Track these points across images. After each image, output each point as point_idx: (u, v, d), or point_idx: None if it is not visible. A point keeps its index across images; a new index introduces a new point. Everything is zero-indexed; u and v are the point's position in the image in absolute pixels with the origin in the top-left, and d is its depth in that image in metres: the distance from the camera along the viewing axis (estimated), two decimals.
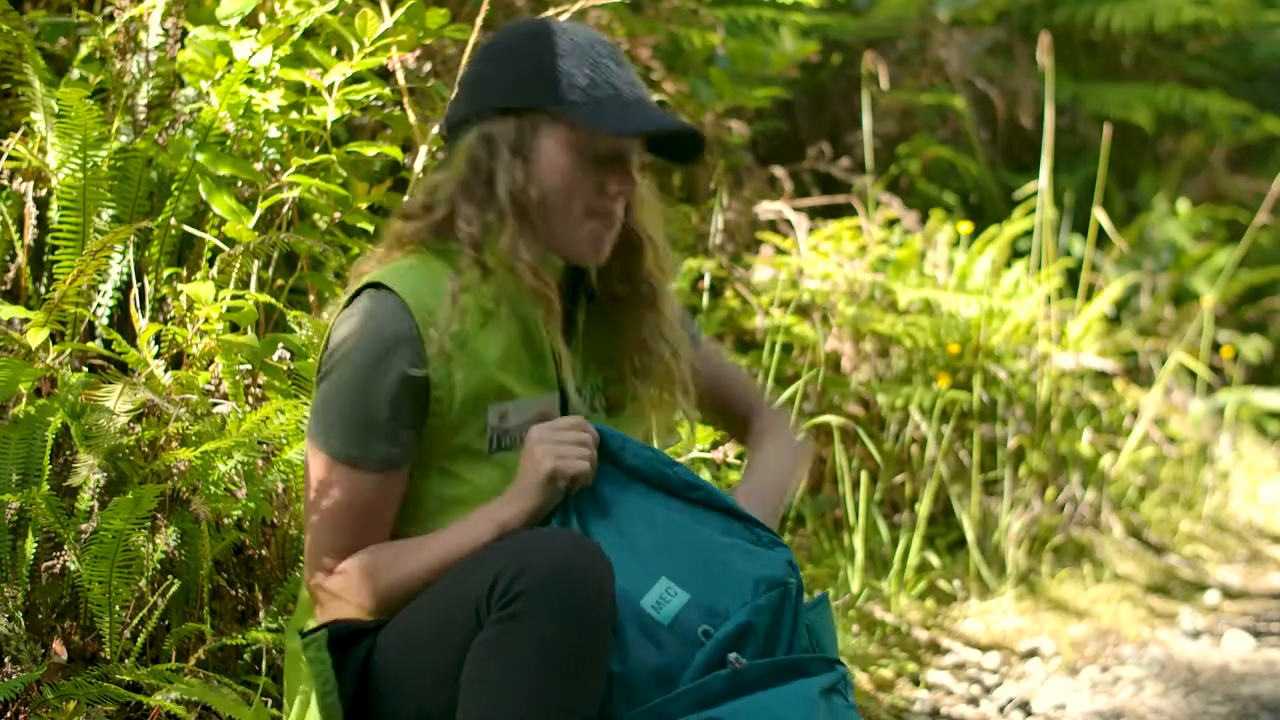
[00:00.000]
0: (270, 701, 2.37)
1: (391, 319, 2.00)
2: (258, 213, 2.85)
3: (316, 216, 3.08)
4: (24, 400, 2.47)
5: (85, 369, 2.69)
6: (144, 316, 2.74)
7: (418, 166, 3.17)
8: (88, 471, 2.34)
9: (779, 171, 5.28)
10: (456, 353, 2.01)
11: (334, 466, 2.02)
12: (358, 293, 2.04)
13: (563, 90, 2.00)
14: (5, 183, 2.78)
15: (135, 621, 2.36)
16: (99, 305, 2.74)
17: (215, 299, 2.63)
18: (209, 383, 2.66)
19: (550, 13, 3.29)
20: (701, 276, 4.34)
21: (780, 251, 4.78)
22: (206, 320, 2.62)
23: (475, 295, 2.03)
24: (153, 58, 2.91)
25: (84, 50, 2.90)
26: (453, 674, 1.89)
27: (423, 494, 2.06)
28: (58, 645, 2.37)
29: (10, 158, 2.75)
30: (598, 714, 1.87)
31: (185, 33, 2.96)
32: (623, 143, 2.05)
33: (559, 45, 2.02)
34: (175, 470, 2.50)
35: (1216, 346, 7.33)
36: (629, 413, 2.17)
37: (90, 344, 2.63)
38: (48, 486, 2.34)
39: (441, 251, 2.06)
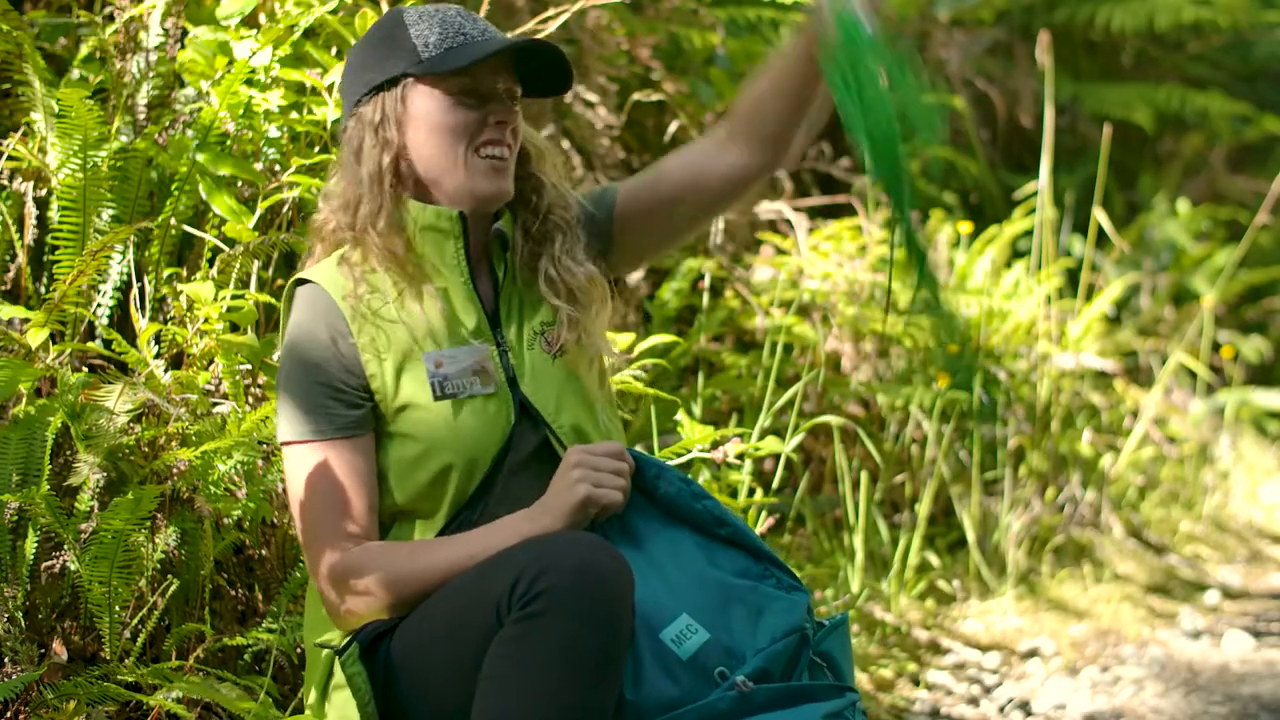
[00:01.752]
0: (272, 702, 2.37)
1: (313, 300, 2.12)
2: (258, 213, 2.85)
3: None
4: (24, 400, 2.47)
5: (85, 369, 2.69)
6: (144, 316, 2.74)
7: None
8: (88, 471, 2.34)
9: (779, 171, 5.28)
10: (375, 320, 2.10)
11: (306, 451, 2.08)
12: (289, 294, 2.17)
13: (418, 52, 2.11)
14: (5, 183, 2.78)
15: (135, 621, 2.36)
16: (99, 305, 2.74)
17: (215, 299, 2.63)
18: (209, 383, 2.66)
19: (550, 12, 3.29)
20: (701, 276, 4.34)
21: (780, 251, 4.78)
22: (206, 320, 2.62)
23: (384, 272, 2.13)
24: (153, 58, 2.91)
25: (84, 50, 2.90)
26: (470, 672, 1.90)
27: (385, 465, 2.10)
28: (58, 645, 2.37)
29: (10, 158, 2.75)
30: None
31: (185, 33, 2.96)
32: (487, 79, 2.13)
33: (406, 18, 2.15)
34: (175, 470, 2.50)
35: (1216, 346, 7.33)
36: (572, 353, 2.19)
37: (90, 344, 2.63)
38: (48, 486, 2.34)
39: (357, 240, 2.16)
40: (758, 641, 1.96)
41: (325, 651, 2.09)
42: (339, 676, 2.07)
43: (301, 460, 2.09)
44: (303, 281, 2.16)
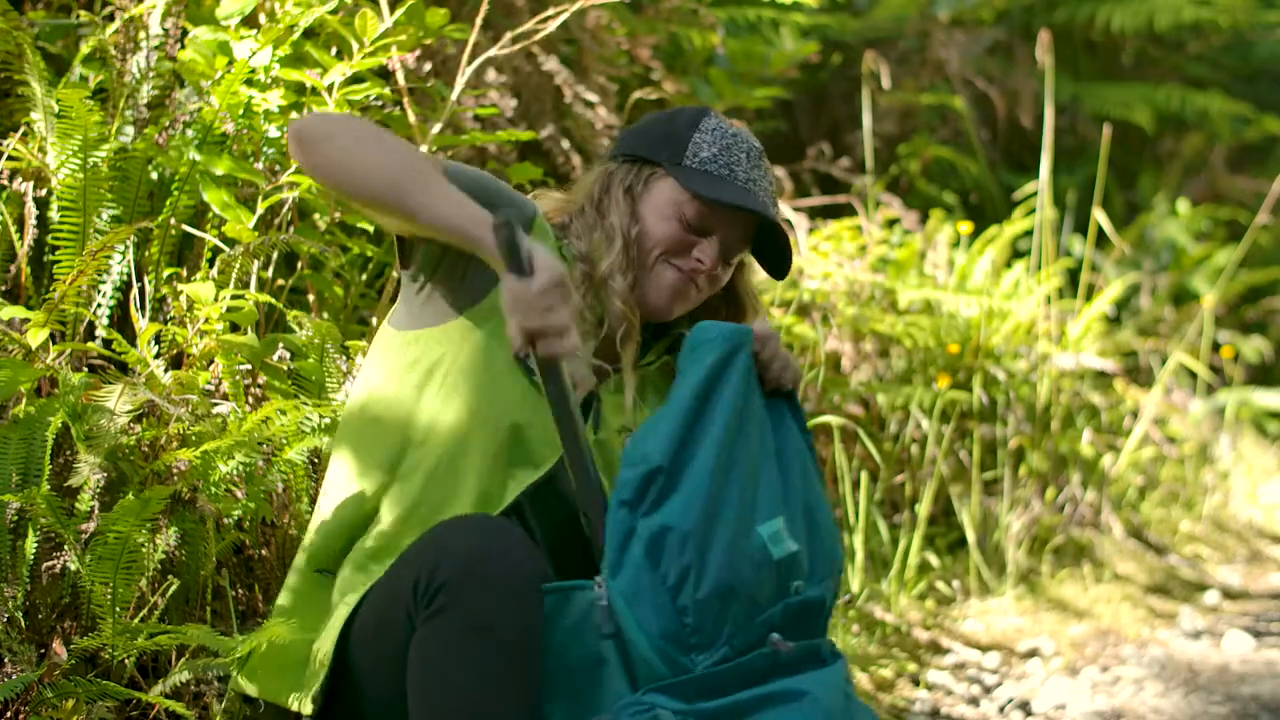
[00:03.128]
0: None
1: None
2: (258, 213, 2.85)
3: (316, 216, 3.08)
4: (24, 400, 2.47)
5: (85, 369, 2.69)
6: (144, 316, 2.74)
7: None
8: (88, 471, 2.34)
9: (779, 171, 5.28)
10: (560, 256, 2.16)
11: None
12: None
13: (685, 155, 2.20)
14: (5, 183, 2.78)
15: (135, 621, 2.36)
16: (99, 305, 2.74)
17: (215, 299, 2.63)
18: (209, 383, 2.66)
19: (550, 12, 3.29)
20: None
21: None
22: (206, 320, 2.62)
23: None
24: (153, 58, 2.91)
25: (84, 50, 2.89)
26: (397, 674, 1.92)
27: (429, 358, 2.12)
28: (58, 645, 2.37)
29: (10, 158, 2.74)
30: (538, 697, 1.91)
31: (185, 33, 2.96)
32: (719, 223, 2.20)
33: (704, 124, 2.23)
34: (176, 470, 2.50)
35: (1216, 346, 7.33)
36: None
37: (90, 344, 2.63)
38: (48, 486, 2.34)
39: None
40: (827, 569, 2.07)
41: (317, 577, 2.13)
42: (339, 605, 2.09)
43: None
44: None
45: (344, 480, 2.16)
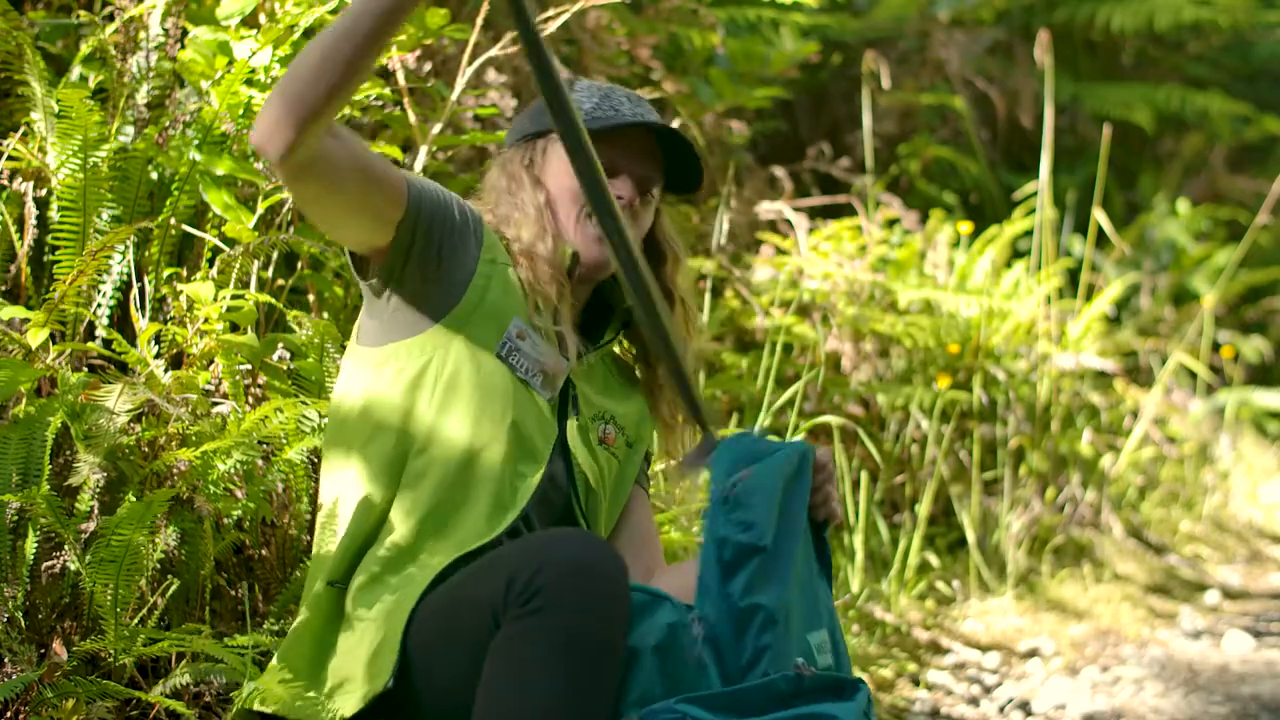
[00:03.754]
0: None
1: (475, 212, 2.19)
2: (258, 213, 2.85)
3: None
4: (24, 400, 2.47)
5: (85, 369, 2.68)
6: (144, 316, 2.74)
7: (418, 166, 3.17)
8: (88, 471, 2.34)
9: (779, 171, 5.28)
10: (500, 267, 2.15)
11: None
12: None
13: None
14: (5, 183, 2.77)
15: (135, 622, 2.36)
16: (99, 305, 2.74)
17: (215, 299, 2.63)
18: (209, 383, 2.66)
19: (550, 12, 3.29)
20: (702, 276, 4.34)
21: (780, 251, 4.78)
22: (206, 320, 2.62)
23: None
24: (153, 58, 2.90)
25: (84, 50, 2.89)
26: (467, 678, 1.90)
27: (446, 372, 2.11)
28: (57, 645, 2.37)
29: (10, 158, 2.74)
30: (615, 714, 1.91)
31: (185, 33, 2.96)
32: (622, 159, 2.20)
33: (577, 85, 2.26)
34: (175, 470, 2.50)
35: (1216, 346, 7.33)
36: (634, 450, 2.28)
37: (90, 344, 2.63)
38: (47, 486, 2.34)
39: None
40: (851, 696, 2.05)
41: (330, 590, 2.09)
42: (355, 616, 2.07)
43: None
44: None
45: (346, 492, 2.16)
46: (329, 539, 2.15)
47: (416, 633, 2.01)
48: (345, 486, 2.15)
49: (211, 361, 2.66)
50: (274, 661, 2.13)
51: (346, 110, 2.97)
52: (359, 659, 2.04)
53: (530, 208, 2.20)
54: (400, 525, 2.10)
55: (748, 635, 1.97)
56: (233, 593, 2.61)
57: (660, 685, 1.94)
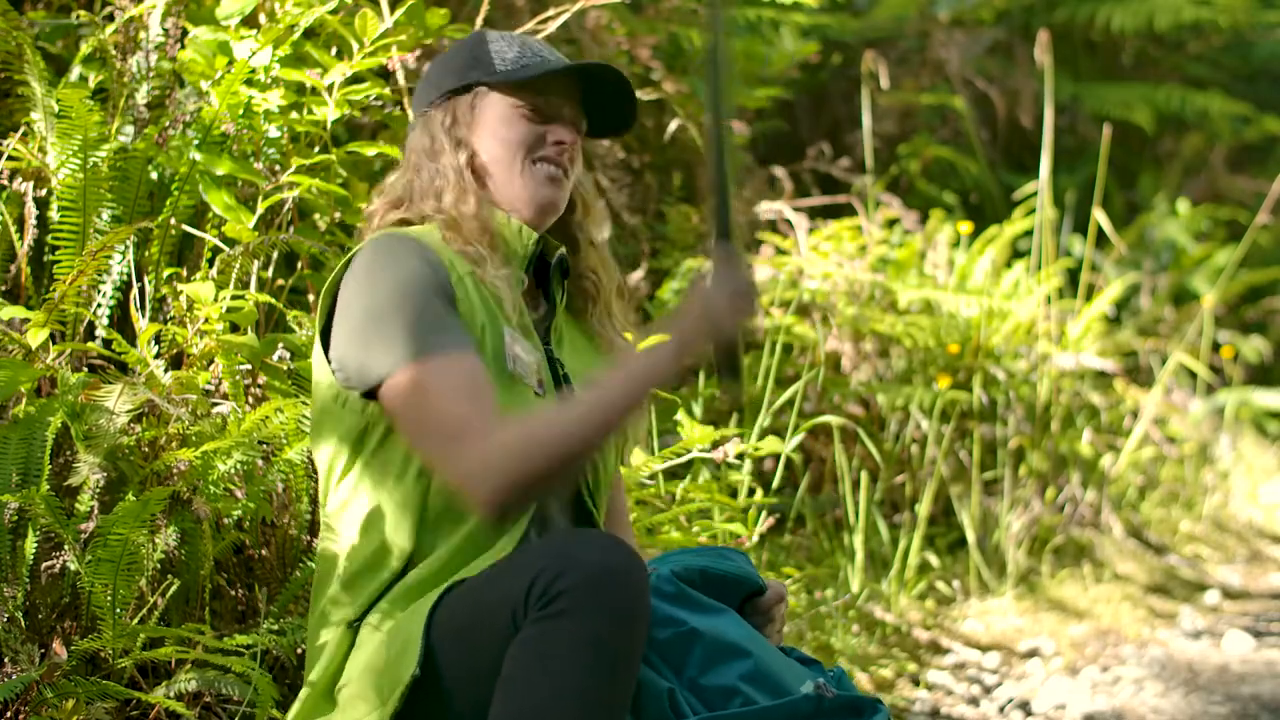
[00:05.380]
0: (272, 702, 2.37)
1: (410, 245, 2.10)
2: (258, 213, 2.85)
3: (316, 216, 3.08)
4: (24, 400, 2.47)
5: (85, 369, 2.68)
6: (144, 316, 2.74)
7: None
8: (88, 471, 2.34)
9: (779, 171, 5.28)
10: (469, 283, 2.11)
11: (423, 366, 2.02)
12: (371, 245, 2.12)
13: (493, 65, 2.21)
14: (5, 183, 2.77)
15: (135, 622, 2.36)
16: (99, 305, 2.74)
17: (215, 299, 2.63)
18: (209, 383, 2.65)
19: (550, 12, 3.29)
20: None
21: (780, 251, 4.78)
22: (206, 320, 2.62)
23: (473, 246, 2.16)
24: (153, 58, 2.91)
25: (84, 50, 2.89)
26: (486, 678, 1.89)
27: None
28: (58, 645, 2.37)
29: (10, 158, 2.74)
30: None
31: (185, 33, 2.96)
32: (554, 102, 2.21)
33: (488, 36, 2.25)
34: (175, 470, 2.50)
35: (1216, 346, 7.33)
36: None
37: (90, 344, 2.63)
38: (47, 487, 2.34)
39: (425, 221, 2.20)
40: None
41: (342, 628, 2.06)
42: (368, 645, 2.04)
43: (429, 375, 2.02)
44: (388, 236, 2.13)
45: (353, 524, 2.13)
46: (336, 555, 2.12)
47: (438, 630, 1.99)
48: (352, 518, 2.12)
49: (211, 361, 2.66)
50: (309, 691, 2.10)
51: (346, 109, 2.97)
52: (380, 663, 2.02)
53: (450, 171, 2.18)
54: (435, 552, 2.07)
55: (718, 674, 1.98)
56: (233, 593, 2.61)
57: None
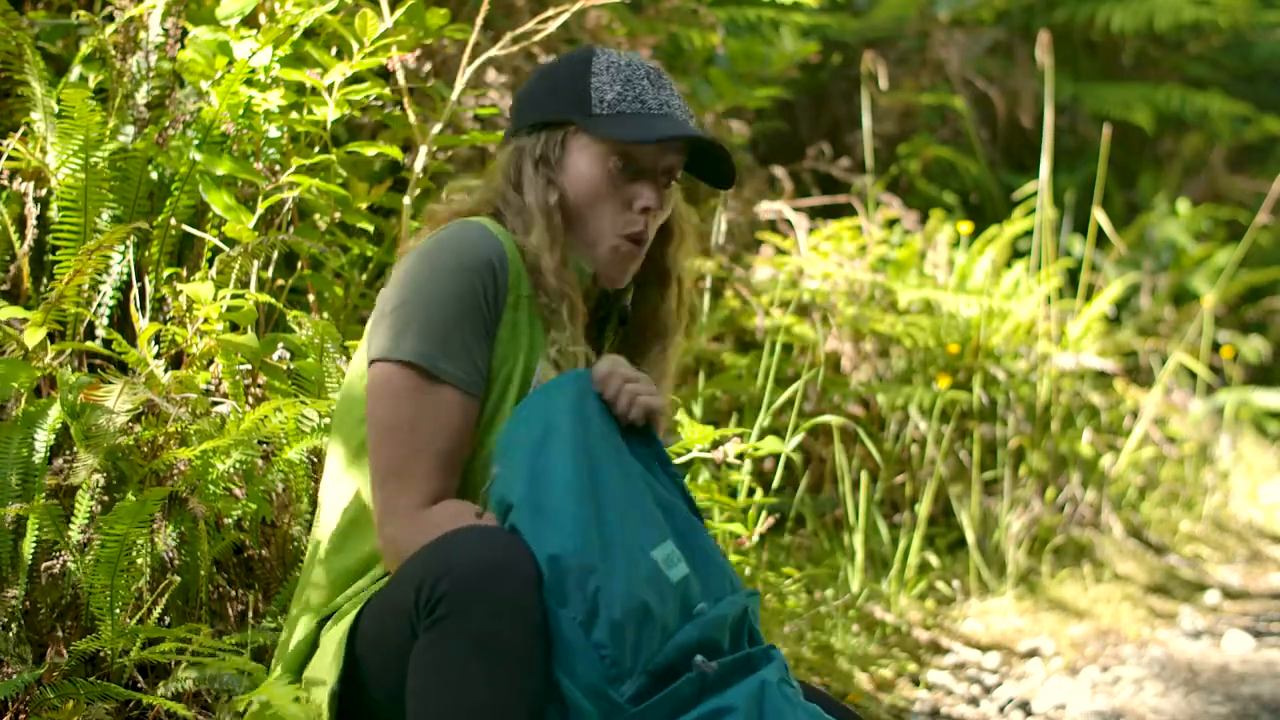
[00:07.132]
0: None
1: (480, 237, 2.05)
2: (258, 213, 2.85)
3: (316, 216, 3.08)
4: (24, 400, 2.47)
5: (85, 369, 2.69)
6: (144, 316, 2.74)
7: (418, 166, 3.17)
8: (87, 471, 2.34)
9: (779, 171, 5.28)
10: (525, 305, 2.07)
11: (410, 377, 2.00)
12: (450, 227, 2.09)
13: (590, 105, 2.09)
14: (5, 183, 2.77)
15: (135, 622, 2.36)
16: (99, 305, 2.74)
17: (215, 299, 2.63)
18: (209, 382, 2.66)
19: (550, 12, 3.29)
20: (702, 276, 4.34)
21: (780, 251, 4.78)
22: (206, 320, 2.62)
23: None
24: (153, 58, 2.91)
25: (84, 50, 2.89)
26: (399, 684, 1.89)
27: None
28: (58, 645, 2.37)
29: (10, 158, 2.75)
30: (542, 705, 1.87)
31: (185, 33, 2.96)
32: (648, 158, 2.11)
33: (595, 65, 2.12)
34: (175, 470, 2.50)
35: (1216, 346, 7.33)
36: None
37: (90, 344, 2.63)
38: (47, 488, 2.34)
39: None
40: (724, 588, 1.99)
41: (314, 622, 2.07)
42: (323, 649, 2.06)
43: (410, 391, 2.00)
44: (466, 221, 2.09)
45: (347, 523, 2.13)
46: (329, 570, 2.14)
47: (360, 642, 2.00)
48: (347, 516, 2.12)
49: (211, 361, 2.66)
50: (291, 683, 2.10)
51: (346, 109, 2.97)
52: (316, 676, 2.04)
53: (538, 212, 2.09)
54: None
55: (569, 596, 1.88)
56: (232, 593, 2.61)
57: None
